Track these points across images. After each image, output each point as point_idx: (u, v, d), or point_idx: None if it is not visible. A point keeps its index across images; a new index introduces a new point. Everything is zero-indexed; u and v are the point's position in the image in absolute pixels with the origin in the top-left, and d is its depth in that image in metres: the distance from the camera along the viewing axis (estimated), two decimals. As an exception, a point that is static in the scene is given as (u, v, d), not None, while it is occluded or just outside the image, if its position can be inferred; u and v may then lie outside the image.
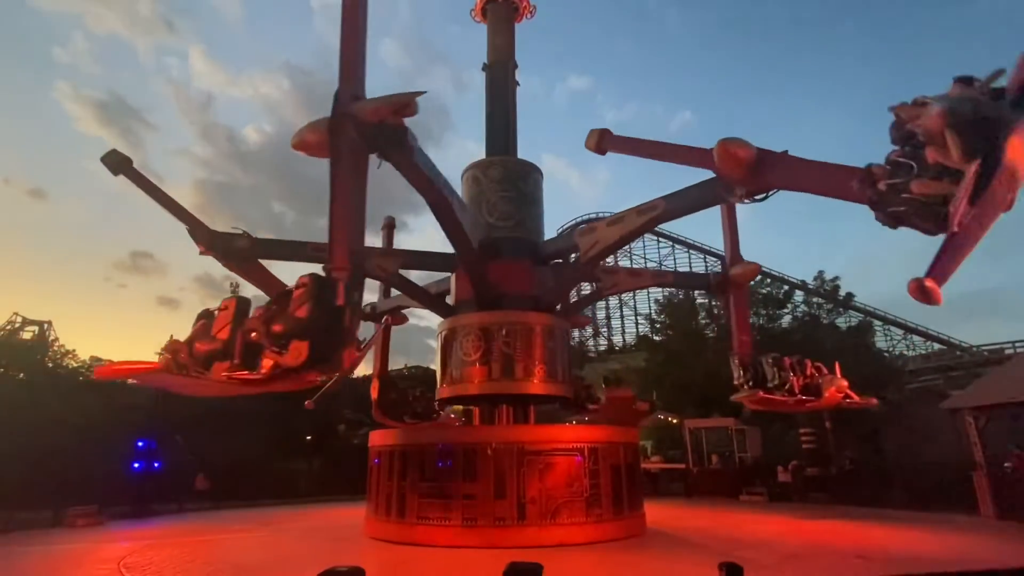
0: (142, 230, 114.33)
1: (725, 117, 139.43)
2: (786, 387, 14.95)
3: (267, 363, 8.44)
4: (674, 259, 61.08)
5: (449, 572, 9.12)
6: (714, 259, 55.68)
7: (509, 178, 16.53)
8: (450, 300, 16.25)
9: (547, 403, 15.98)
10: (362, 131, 9.58)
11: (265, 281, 13.17)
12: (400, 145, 10.26)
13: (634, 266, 52.78)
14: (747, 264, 16.65)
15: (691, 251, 60.69)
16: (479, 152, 18.96)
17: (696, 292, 41.96)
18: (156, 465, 18.93)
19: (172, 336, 9.39)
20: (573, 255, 16.54)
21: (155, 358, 9.82)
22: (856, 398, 15.58)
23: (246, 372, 8.61)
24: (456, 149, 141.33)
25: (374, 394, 17.68)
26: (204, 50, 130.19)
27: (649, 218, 12.45)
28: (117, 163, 12.59)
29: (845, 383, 15.24)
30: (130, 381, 10.16)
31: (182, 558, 10.40)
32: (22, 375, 25.06)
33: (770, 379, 15.01)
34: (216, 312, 9.37)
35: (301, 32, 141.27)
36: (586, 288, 29.76)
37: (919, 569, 3.33)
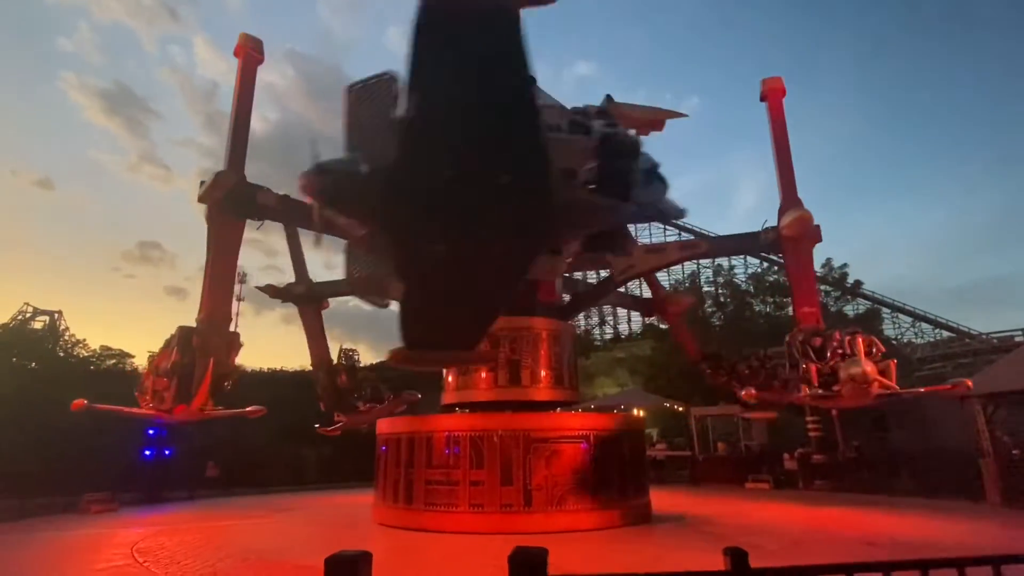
0: (150, 220, 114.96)
1: (734, 104, 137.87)
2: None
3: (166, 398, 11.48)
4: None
5: (456, 557, 9.22)
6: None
7: None
8: None
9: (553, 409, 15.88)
10: (219, 207, 12.44)
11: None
12: (249, 208, 12.99)
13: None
14: (796, 212, 13.69)
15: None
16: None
17: (702, 280, 41.99)
18: (167, 452, 19.20)
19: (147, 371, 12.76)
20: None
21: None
22: (891, 386, 11.53)
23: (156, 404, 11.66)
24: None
25: (318, 389, 17.14)
26: (208, 38, 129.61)
27: (689, 254, 13.11)
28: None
29: (871, 367, 11.11)
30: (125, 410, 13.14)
31: (194, 543, 10.57)
32: (34, 364, 25.40)
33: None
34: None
35: (303, 19, 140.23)
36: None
37: (925, 555, 3.34)
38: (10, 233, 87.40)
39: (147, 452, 18.81)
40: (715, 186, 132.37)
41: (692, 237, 60.58)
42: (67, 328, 33.92)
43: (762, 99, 15.88)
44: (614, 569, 7.36)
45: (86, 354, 29.15)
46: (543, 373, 13.92)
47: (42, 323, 34.15)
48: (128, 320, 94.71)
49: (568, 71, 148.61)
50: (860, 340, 11.73)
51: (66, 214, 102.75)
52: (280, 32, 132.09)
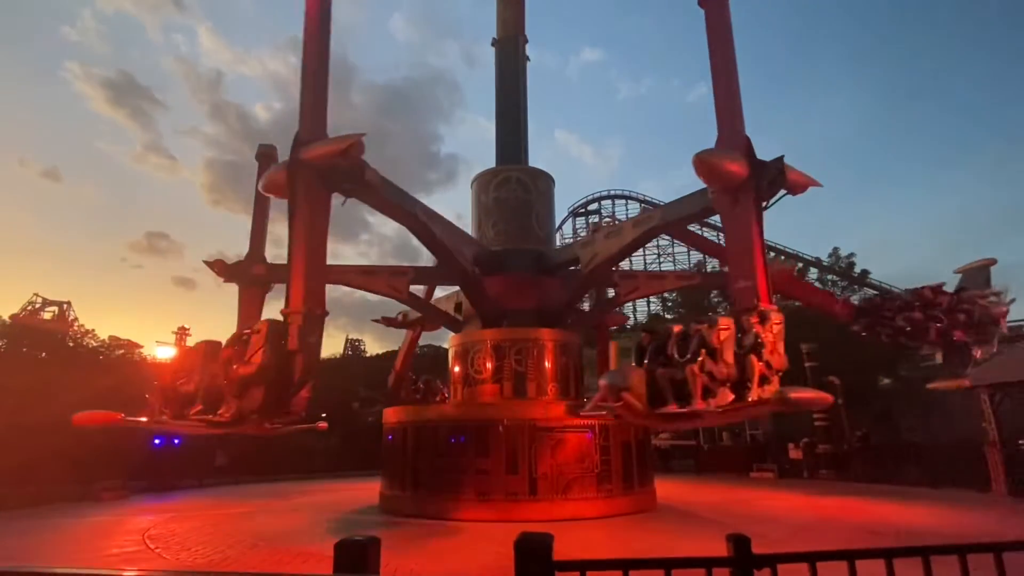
0: (157, 211, 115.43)
1: (743, 89, 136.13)
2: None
3: (229, 408, 8.76)
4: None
5: (462, 544, 9.32)
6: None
7: (509, 188, 16.18)
8: (460, 316, 16.11)
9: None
10: (318, 173, 9.77)
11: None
12: (358, 182, 10.46)
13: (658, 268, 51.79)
14: (702, 154, 9.90)
15: (703, 228, 59.80)
16: (490, 128, 18.79)
17: (707, 268, 41.84)
18: (176, 442, 19.43)
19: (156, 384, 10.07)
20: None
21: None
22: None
23: (211, 416, 8.90)
24: (468, 125, 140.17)
25: (391, 384, 18.62)
26: (211, 27, 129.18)
27: (645, 230, 12.11)
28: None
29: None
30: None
31: (204, 530, 10.73)
32: (44, 354, 25.67)
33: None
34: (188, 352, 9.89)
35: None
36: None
37: (928, 543, 3.36)
38: (19, 224, 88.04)
39: (157, 441, 19.03)
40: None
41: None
42: (76, 318, 34.26)
43: (700, 4, 11.60)
44: (618, 556, 7.39)
45: (95, 344, 29.41)
46: (549, 385, 13.85)
47: (51, 313, 34.47)
48: (136, 310, 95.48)
49: (575, 58, 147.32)
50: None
51: (73, 205, 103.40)
52: (283, 20, 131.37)
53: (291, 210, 9.71)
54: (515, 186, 16.22)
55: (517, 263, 15.33)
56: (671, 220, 12.38)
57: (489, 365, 13.84)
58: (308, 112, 10.21)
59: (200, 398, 9.16)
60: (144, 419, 9.40)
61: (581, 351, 15.37)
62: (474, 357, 14.09)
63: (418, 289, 16.28)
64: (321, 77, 10.60)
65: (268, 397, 8.52)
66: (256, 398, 8.49)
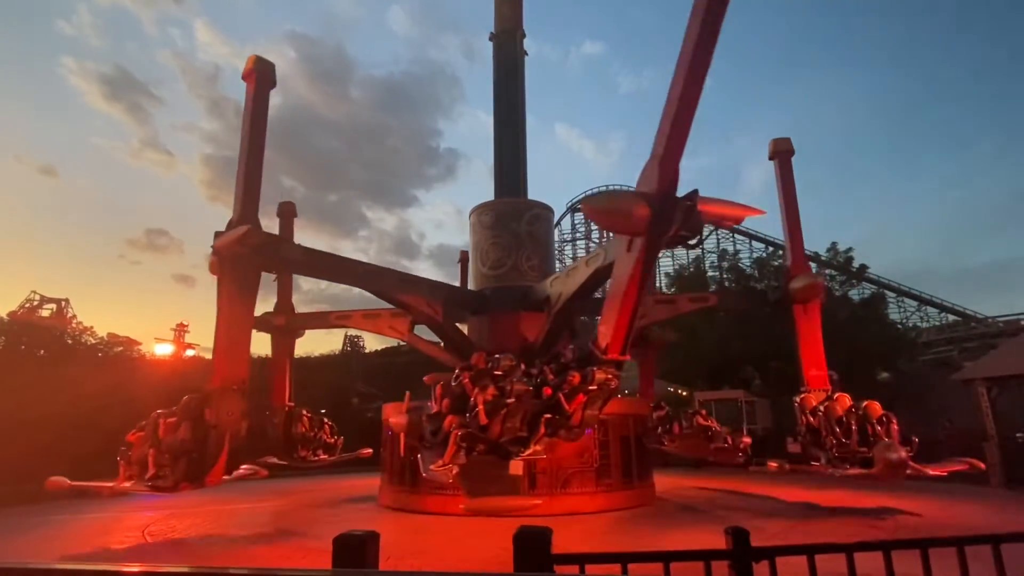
0: (155, 207, 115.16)
1: (743, 85, 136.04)
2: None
3: (170, 474, 9.48)
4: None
5: (462, 538, 9.35)
6: (726, 231, 55.02)
7: (501, 221, 15.86)
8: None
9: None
10: (234, 258, 10.57)
11: None
12: (273, 263, 11.64)
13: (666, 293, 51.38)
14: (809, 277, 13.87)
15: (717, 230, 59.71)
16: (490, 123, 18.70)
17: (707, 265, 41.83)
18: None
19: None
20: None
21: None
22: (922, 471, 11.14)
23: (156, 482, 9.52)
24: (467, 120, 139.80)
25: (268, 429, 15.80)
26: (208, 21, 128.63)
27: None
28: None
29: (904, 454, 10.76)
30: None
31: (204, 526, 10.75)
32: (42, 352, 25.63)
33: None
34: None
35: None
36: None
37: (926, 535, 3.37)
38: (16, 221, 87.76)
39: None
40: (725, 167, 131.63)
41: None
42: (74, 315, 34.24)
43: (771, 158, 14.87)
44: (617, 549, 7.43)
45: (93, 341, 29.39)
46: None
47: (49, 311, 34.45)
48: (135, 307, 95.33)
49: (576, 51, 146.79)
50: (894, 423, 11.55)
51: (71, 201, 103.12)
52: (280, 12, 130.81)
53: (217, 290, 10.64)
54: (508, 220, 15.82)
55: (503, 302, 14.95)
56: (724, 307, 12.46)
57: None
58: (239, 198, 10.99)
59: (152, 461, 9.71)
60: (108, 486, 9.91)
61: None
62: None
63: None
64: (255, 164, 11.35)
65: (189, 467, 9.34)
66: (181, 467, 9.37)
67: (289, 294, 16.98)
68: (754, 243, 54.89)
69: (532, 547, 2.93)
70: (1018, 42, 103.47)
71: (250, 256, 10.61)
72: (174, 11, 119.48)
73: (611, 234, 10.59)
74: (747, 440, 16.08)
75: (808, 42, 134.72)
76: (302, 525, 10.92)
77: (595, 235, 59.79)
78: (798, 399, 13.12)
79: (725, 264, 37.08)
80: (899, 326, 41.72)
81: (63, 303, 36.76)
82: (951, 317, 50.83)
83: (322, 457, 15.91)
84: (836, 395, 12.59)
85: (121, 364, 24.77)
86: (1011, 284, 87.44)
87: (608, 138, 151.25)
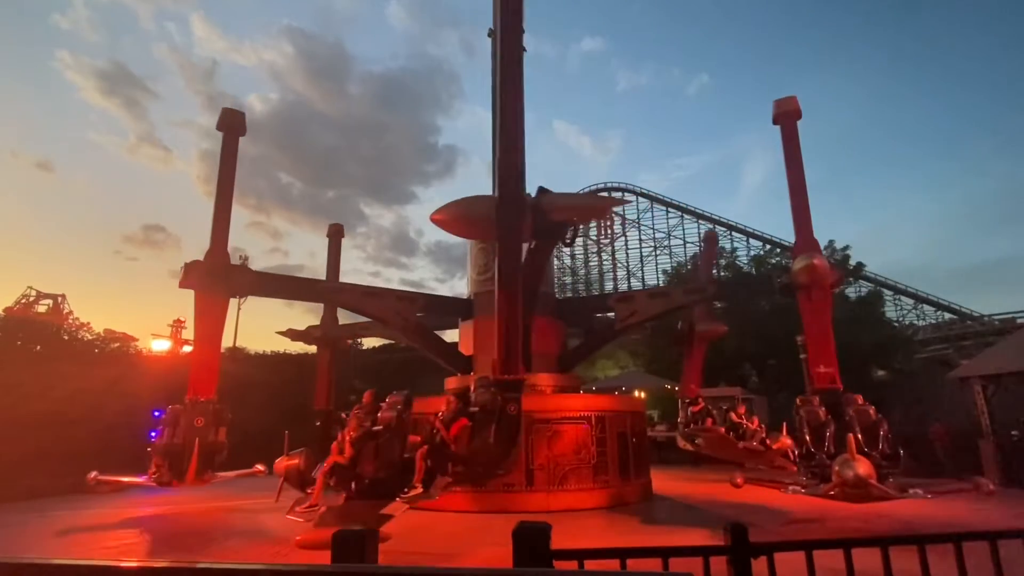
0: (152, 203, 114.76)
1: (744, 80, 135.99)
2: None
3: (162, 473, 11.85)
4: (683, 229, 60.50)
5: (460, 534, 9.36)
6: (723, 229, 55.15)
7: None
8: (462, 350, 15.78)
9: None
10: (202, 285, 12.60)
11: None
12: (233, 288, 13.25)
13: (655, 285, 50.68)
14: (807, 258, 12.20)
15: (700, 221, 59.99)
16: (488, 119, 18.63)
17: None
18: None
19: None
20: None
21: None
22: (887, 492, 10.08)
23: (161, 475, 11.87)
24: (466, 117, 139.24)
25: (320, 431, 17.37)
26: (204, 15, 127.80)
27: (695, 299, 12.03)
28: None
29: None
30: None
31: (201, 523, 10.75)
32: (39, 348, 25.53)
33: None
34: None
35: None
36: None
37: (923, 532, 3.39)
38: (12, 216, 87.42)
39: (152, 434, 18.97)
40: (723, 164, 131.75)
41: (691, 217, 60.43)
42: (71, 311, 34.13)
43: (775, 122, 13.79)
44: (616, 545, 7.44)
45: (90, 337, 29.30)
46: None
47: (46, 307, 34.34)
48: (132, 303, 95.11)
49: (575, 47, 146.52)
50: (851, 438, 10.28)
51: (67, 197, 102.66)
52: (277, 6, 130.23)
53: (195, 317, 12.77)
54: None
55: (487, 307, 14.91)
56: (723, 296, 12.54)
57: None
58: (213, 235, 13.10)
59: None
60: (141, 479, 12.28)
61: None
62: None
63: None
64: (225, 204, 13.56)
65: (172, 467, 11.81)
66: (174, 466, 11.87)
67: (333, 308, 18.47)
68: (751, 241, 55.01)
69: (531, 543, 2.94)
70: (1016, 41, 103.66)
71: (211, 284, 12.53)
72: (171, 5, 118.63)
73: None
74: (787, 441, 13.58)
75: (807, 41, 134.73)
76: (299, 522, 10.89)
77: (592, 234, 59.85)
78: (798, 400, 12.89)
79: (722, 262, 37.15)
80: (895, 324, 41.86)
81: (59, 299, 36.68)
82: (948, 315, 51.00)
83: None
84: (845, 395, 11.99)
85: (118, 360, 24.65)
86: (1008, 282, 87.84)
87: (606, 135, 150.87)
